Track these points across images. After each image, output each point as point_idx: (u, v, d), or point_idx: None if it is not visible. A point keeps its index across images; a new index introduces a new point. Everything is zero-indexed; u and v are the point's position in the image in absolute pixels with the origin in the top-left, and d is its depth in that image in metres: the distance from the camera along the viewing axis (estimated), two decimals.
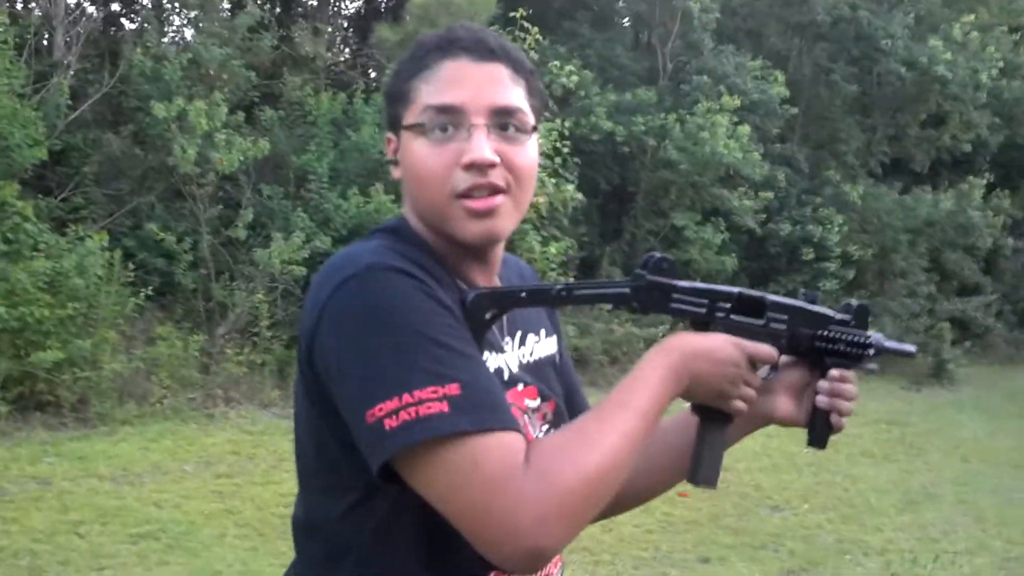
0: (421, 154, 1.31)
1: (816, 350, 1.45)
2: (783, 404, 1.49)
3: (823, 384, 1.46)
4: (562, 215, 12.14)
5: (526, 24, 12.25)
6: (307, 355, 1.26)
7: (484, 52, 1.33)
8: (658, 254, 1.35)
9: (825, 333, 1.44)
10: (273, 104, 11.50)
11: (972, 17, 16.20)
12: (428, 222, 1.36)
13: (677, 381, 1.29)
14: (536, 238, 11.48)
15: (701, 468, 1.41)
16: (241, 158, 9.59)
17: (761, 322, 1.39)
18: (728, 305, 1.37)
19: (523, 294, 1.37)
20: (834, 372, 1.45)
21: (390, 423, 1.15)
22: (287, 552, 5.10)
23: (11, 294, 7.65)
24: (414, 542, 1.29)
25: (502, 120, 1.32)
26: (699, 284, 1.37)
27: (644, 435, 1.23)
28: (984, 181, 16.91)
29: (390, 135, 1.38)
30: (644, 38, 17.97)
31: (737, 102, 13.58)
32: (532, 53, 12.44)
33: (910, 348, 1.52)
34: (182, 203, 10.08)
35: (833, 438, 1.49)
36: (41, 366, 7.62)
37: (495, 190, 1.31)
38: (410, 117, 1.32)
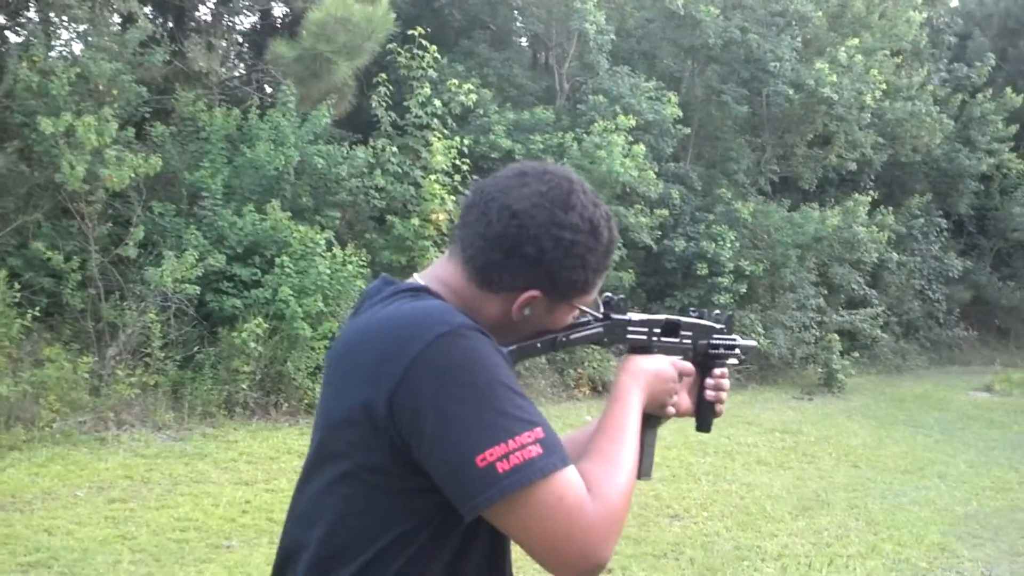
0: (563, 320, 1.59)
1: (707, 355, 1.83)
2: (684, 400, 1.79)
3: (709, 381, 1.83)
4: None
5: (424, 43, 12.28)
6: (387, 404, 1.35)
7: None
8: (611, 295, 1.65)
9: (713, 341, 1.83)
10: (165, 120, 11.25)
11: (856, 41, 16.81)
12: (502, 329, 1.52)
13: (645, 399, 1.61)
14: (437, 255, 11.46)
15: (643, 464, 1.66)
16: (132, 175, 9.35)
17: (678, 340, 1.76)
18: (659, 330, 1.72)
19: (539, 344, 1.58)
20: (717, 371, 1.84)
21: (502, 466, 1.31)
22: None
23: None
24: (476, 565, 1.47)
25: None
26: (642, 316, 1.70)
27: (637, 447, 1.52)
28: (868, 198, 17.52)
29: (537, 293, 1.51)
30: (541, 58, 18.20)
31: (632, 122, 13.81)
32: (431, 71, 12.48)
33: (753, 342, 2.00)
34: (70, 221, 9.77)
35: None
36: None
37: None
38: (583, 302, 1.58)
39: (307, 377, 10.23)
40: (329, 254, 10.58)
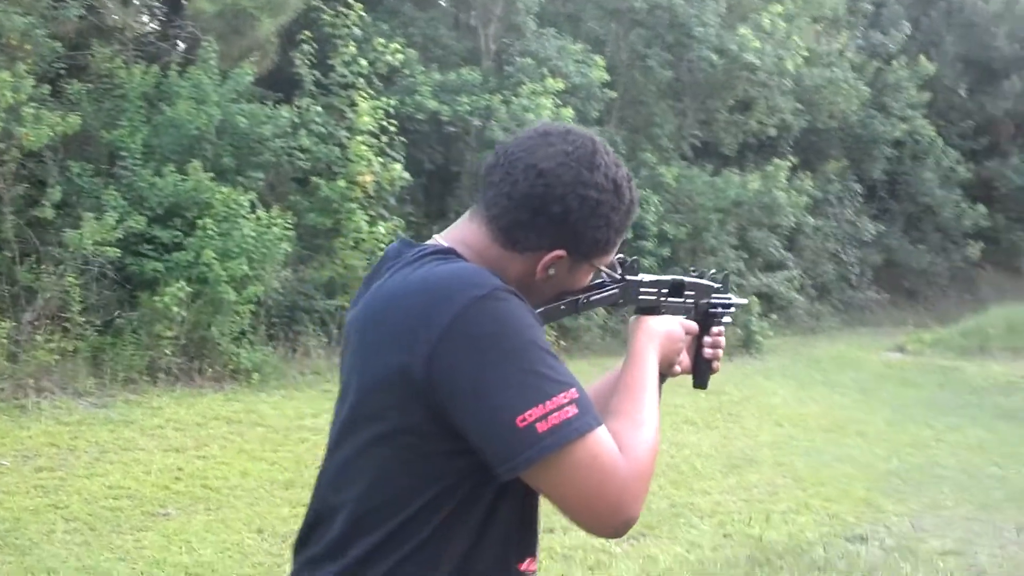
0: (583, 280, 1.61)
1: (708, 314, 1.86)
2: (684, 359, 1.82)
3: (707, 339, 1.86)
4: (389, 194, 12.02)
5: (350, 0, 12.05)
6: (424, 368, 1.36)
7: None
8: (625, 257, 1.66)
9: (713, 300, 1.87)
10: (80, 77, 10.84)
11: (779, 7, 16.99)
12: (524, 288, 1.50)
13: (659, 358, 1.64)
14: (364, 217, 11.34)
15: None
16: (50, 133, 9.00)
17: (682, 300, 1.80)
18: (666, 291, 1.76)
19: (562, 306, 1.60)
20: (715, 329, 1.87)
21: (541, 426, 1.33)
22: (122, 545, 4.79)
23: None
24: (505, 531, 1.49)
25: None
26: (651, 277, 1.73)
27: (658, 404, 1.56)
28: (788, 163, 17.81)
29: (562, 253, 1.52)
30: (465, 18, 18.00)
31: (560, 85, 13.78)
32: (356, 29, 12.26)
33: (745, 301, 2.12)
34: None
35: None
36: None
37: None
38: (602, 262, 1.60)
39: (232, 342, 10.04)
40: (253, 216, 10.36)
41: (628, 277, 1.68)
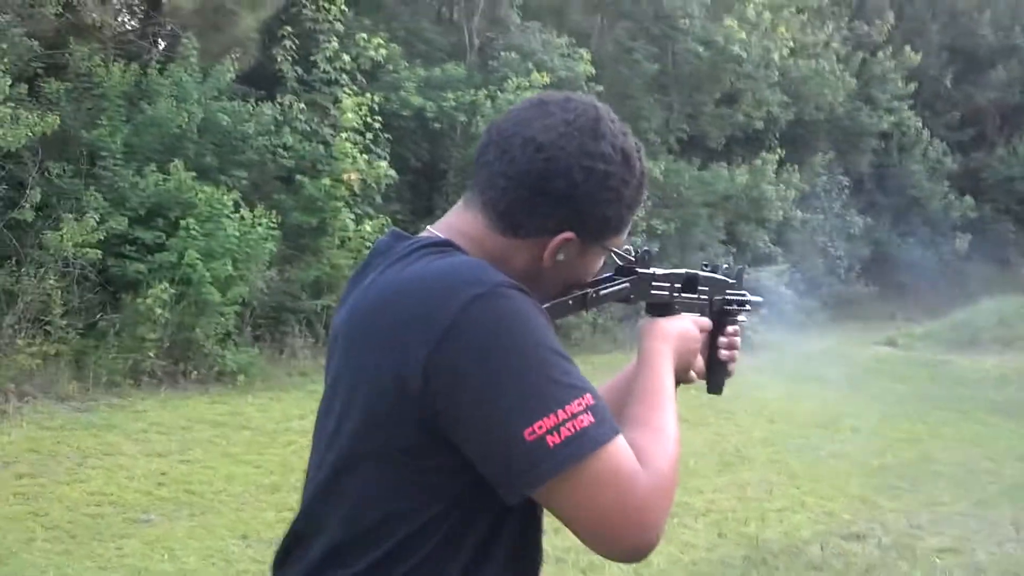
0: (595, 265, 1.46)
1: (722, 312, 1.71)
2: (698, 362, 1.63)
3: (722, 339, 1.71)
4: (375, 192, 11.89)
5: None
6: (420, 374, 1.21)
7: None
8: (638, 247, 1.51)
9: (728, 296, 1.73)
10: (59, 76, 10.67)
11: None
12: (531, 279, 1.36)
13: (674, 361, 1.49)
14: (349, 216, 11.21)
15: None
16: (28, 134, 8.83)
17: (696, 296, 1.65)
18: (680, 285, 1.61)
19: (570, 302, 1.45)
20: (730, 328, 1.72)
21: (552, 439, 1.18)
22: (103, 553, 4.64)
23: None
24: (505, 551, 1.32)
25: None
26: (663, 270, 1.58)
27: (676, 413, 1.41)
28: (775, 157, 17.72)
29: (571, 235, 1.36)
30: (447, 12, 17.88)
31: (546, 79, 13.66)
32: (338, 24, 12.13)
33: (759, 299, 1.88)
34: None
35: None
36: None
37: None
38: (614, 243, 1.44)
39: (216, 343, 9.92)
40: (237, 216, 10.22)
41: (640, 270, 1.53)
